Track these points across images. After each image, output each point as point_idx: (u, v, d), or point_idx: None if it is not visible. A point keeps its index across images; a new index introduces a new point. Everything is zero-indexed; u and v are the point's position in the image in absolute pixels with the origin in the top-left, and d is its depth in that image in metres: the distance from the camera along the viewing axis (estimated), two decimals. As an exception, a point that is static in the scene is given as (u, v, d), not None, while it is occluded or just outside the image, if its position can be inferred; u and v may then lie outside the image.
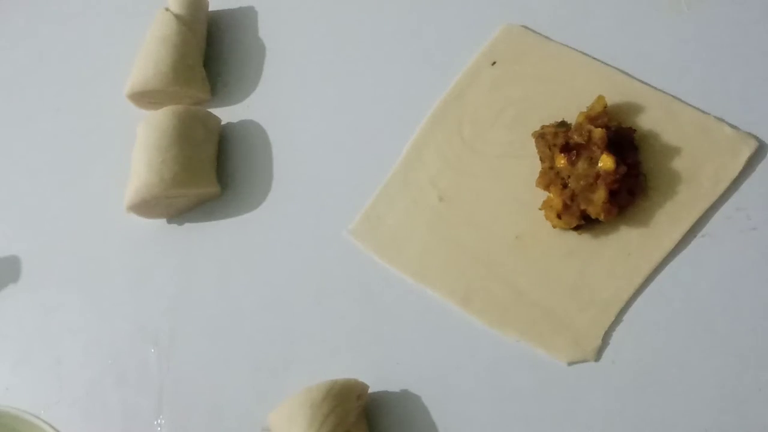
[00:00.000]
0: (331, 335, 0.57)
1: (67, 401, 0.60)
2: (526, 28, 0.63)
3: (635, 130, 0.55)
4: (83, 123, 0.72)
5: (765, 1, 0.58)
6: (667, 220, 0.53)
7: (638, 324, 0.51)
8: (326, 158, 0.64)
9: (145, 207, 0.62)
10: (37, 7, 0.81)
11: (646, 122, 0.56)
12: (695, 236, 0.52)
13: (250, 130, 0.67)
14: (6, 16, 0.81)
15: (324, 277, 0.59)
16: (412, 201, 0.59)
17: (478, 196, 0.58)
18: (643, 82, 0.58)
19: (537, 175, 0.55)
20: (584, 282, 0.53)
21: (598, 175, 0.52)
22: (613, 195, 0.52)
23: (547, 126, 0.56)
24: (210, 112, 0.66)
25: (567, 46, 0.61)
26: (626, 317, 0.52)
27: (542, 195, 0.54)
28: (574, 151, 0.53)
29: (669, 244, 0.52)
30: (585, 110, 0.55)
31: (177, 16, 0.68)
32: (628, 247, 0.53)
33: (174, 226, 0.65)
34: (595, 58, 0.60)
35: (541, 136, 0.55)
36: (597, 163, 0.52)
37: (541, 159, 0.55)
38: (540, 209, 0.54)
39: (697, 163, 0.54)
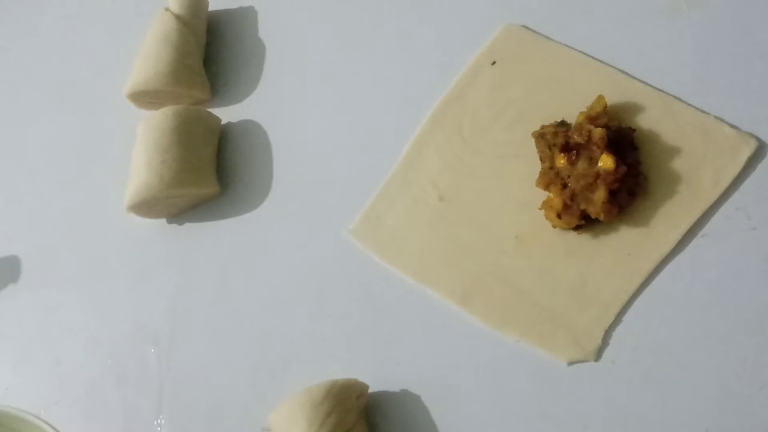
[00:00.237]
0: (331, 335, 0.57)
1: (67, 401, 0.60)
2: (526, 28, 0.63)
3: (635, 130, 0.55)
4: (83, 123, 0.72)
5: (765, 1, 0.58)
6: (667, 220, 0.53)
7: (638, 324, 0.51)
8: (326, 158, 0.64)
9: (145, 207, 0.62)
10: (37, 7, 0.81)
11: (646, 122, 0.56)
12: (695, 236, 0.52)
13: (250, 130, 0.67)
14: (6, 16, 0.81)
15: (324, 277, 0.59)
16: (412, 201, 0.59)
17: (478, 196, 0.58)
18: (643, 82, 0.58)
19: (537, 175, 0.55)
20: (584, 282, 0.53)
21: (598, 175, 0.52)
22: (613, 195, 0.52)
23: (547, 126, 0.56)
24: (210, 112, 0.66)
25: (567, 46, 0.61)
26: (626, 317, 0.52)
27: (542, 195, 0.54)
28: (574, 151, 0.53)
29: (669, 244, 0.52)
30: (585, 110, 0.55)
31: (177, 16, 0.68)
32: (628, 247, 0.53)
33: (174, 226, 0.65)
34: (595, 58, 0.60)
35: (541, 136, 0.55)
36: (597, 163, 0.52)
37: (541, 159, 0.55)
38: (540, 209, 0.54)
39: (697, 163, 0.54)
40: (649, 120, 0.56)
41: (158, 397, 0.58)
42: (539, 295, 0.53)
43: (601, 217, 0.52)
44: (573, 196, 0.53)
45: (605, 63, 0.59)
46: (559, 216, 0.53)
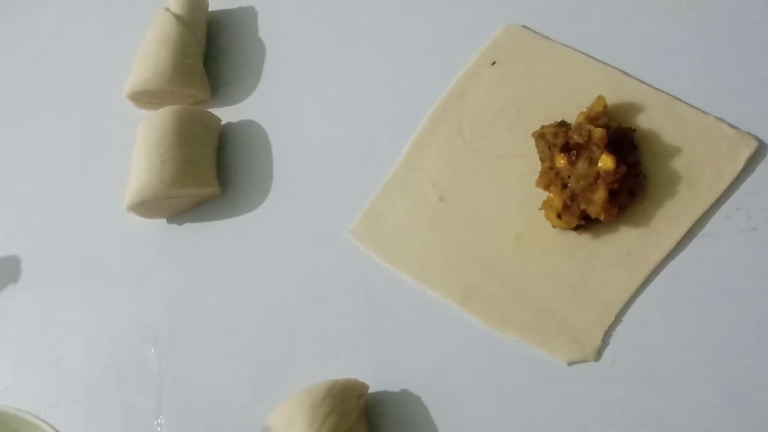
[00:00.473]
0: (331, 335, 0.57)
1: (67, 401, 0.60)
2: (526, 28, 0.63)
3: (635, 130, 0.55)
4: (83, 123, 0.72)
5: (765, 1, 0.58)
6: (667, 220, 0.53)
7: (638, 324, 0.51)
8: (326, 158, 0.64)
9: (145, 207, 0.62)
10: (37, 7, 0.81)
11: (646, 122, 0.56)
12: (695, 236, 0.52)
13: (250, 130, 0.67)
14: (6, 16, 0.81)
15: (324, 277, 0.59)
16: (412, 201, 0.59)
17: (478, 196, 0.58)
18: (643, 82, 0.58)
19: (537, 175, 0.55)
20: (584, 282, 0.53)
21: (598, 175, 0.52)
22: (613, 195, 0.52)
23: (547, 126, 0.56)
24: (210, 112, 0.66)
25: (567, 46, 0.61)
26: (626, 317, 0.52)
27: (542, 195, 0.54)
28: (574, 151, 0.53)
29: (669, 244, 0.52)
30: (585, 110, 0.55)
31: (177, 16, 0.68)
32: (628, 247, 0.53)
33: (174, 226, 0.65)
34: (595, 58, 0.60)
35: (541, 136, 0.55)
36: (597, 163, 0.52)
37: (541, 159, 0.55)
38: (540, 209, 0.54)
39: (697, 163, 0.54)
40: (649, 120, 0.56)
41: (158, 397, 0.58)
42: (539, 295, 0.53)
43: (601, 217, 0.52)
44: (573, 196, 0.53)
45: (605, 63, 0.59)
46: (559, 216, 0.53)
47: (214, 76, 0.70)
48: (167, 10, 0.69)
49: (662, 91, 0.57)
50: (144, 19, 0.70)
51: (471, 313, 0.54)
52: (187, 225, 0.64)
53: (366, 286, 0.57)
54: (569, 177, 0.53)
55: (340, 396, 0.50)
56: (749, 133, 0.54)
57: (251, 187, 0.64)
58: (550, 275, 0.54)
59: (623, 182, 0.52)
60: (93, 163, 0.69)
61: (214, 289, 0.61)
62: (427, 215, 0.58)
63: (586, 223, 0.53)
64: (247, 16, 0.73)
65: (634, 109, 0.57)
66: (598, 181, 0.52)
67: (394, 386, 0.54)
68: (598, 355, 0.51)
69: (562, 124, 0.56)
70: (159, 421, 0.57)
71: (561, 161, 0.53)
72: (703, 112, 0.55)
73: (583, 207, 0.52)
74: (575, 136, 0.53)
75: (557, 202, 0.53)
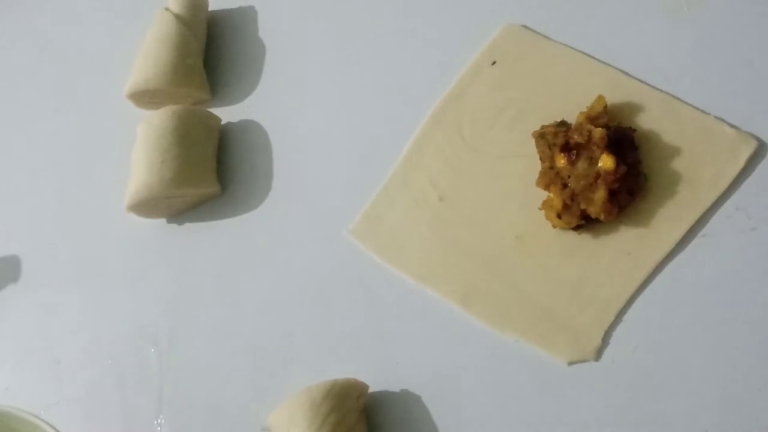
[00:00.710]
0: (331, 335, 0.57)
1: (67, 401, 0.60)
2: (526, 28, 0.63)
3: (635, 130, 0.55)
4: (83, 123, 0.72)
5: (765, 1, 0.58)
6: (667, 220, 0.53)
7: (638, 324, 0.51)
8: (326, 158, 0.64)
9: (145, 207, 0.62)
10: (37, 7, 0.81)
11: (646, 122, 0.56)
12: (695, 236, 0.52)
13: (250, 130, 0.67)
14: (6, 16, 0.81)
15: (324, 277, 0.59)
16: (412, 201, 0.59)
17: (478, 196, 0.58)
18: (643, 82, 0.58)
19: (537, 175, 0.55)
20: (584, 282, 0.53)
21: (598, 175, 0.52)
22: (613, 195, 0.52)
23: (547, 126, 0.56)
24: (210, 112, 0.66)
25: (567, 46, 0.61)
26: (626, 317, 0.52)
27: (542, 195, 0.54)
28: (574, 151, 0.53)
29: (669, 244, 0.52)
30: (585, 110, 0.55)
31: (177, 16, 0.68)
32: (628, 247, 0.53)
33: (174, 226, 0.65)
34: (595, 58, 0.60)
35: (541, 136, 0.55)
36: (597, 163, 0.52)
37: (541, 159, 0.55)
38: (540, 209, 0.54)
39: (697, 163, 0.54)
40: (649, 120, 0.56)
41: (158, 397, 0.58)
42: (539, 295, 0.53)
43: (601, 217, 0.52)
44: (573, 196, 0.53)
45: (605, 63, 0.59)
46: (559, 216, 0.53)
47: (214, 76, 0.70)
48: (167, 9, 0.68)
49: (662, 91, 0.57)
50: (144, 19, 0.70)
51: (471, 313, 0.54)
52: (187, 225, 0.64)
53: (366, 286, 0.57)
54: (569, 177, 0.53)
55: (340, 396, 0.50)
56: (749, 133, 0.54)
57: (251, 187, 0.64)
58: (550, 275, 0.54)
59: (623, 182, 0.52)
60: (93, 163, 0.69)
61: (214, 289, 0.61)
62: (427, 215, 0.58)
63: (586, 223, 0.53)
64: (247, 16, 0.73)
65: (634, 109, 0.57)
66: (598, 181, 0.52)
67: (394, 386, 0.54)
68: (598, 355, 0.51)
69: (562, 124, 0.56)
70: (159, 421, 0.57)
71: (561, 161, 0.53)
72: (703, 112, 0.55)
73: (583, 207, 0.52)
74: (575, 136, 0.53)
75: (557, 202, 0.53)
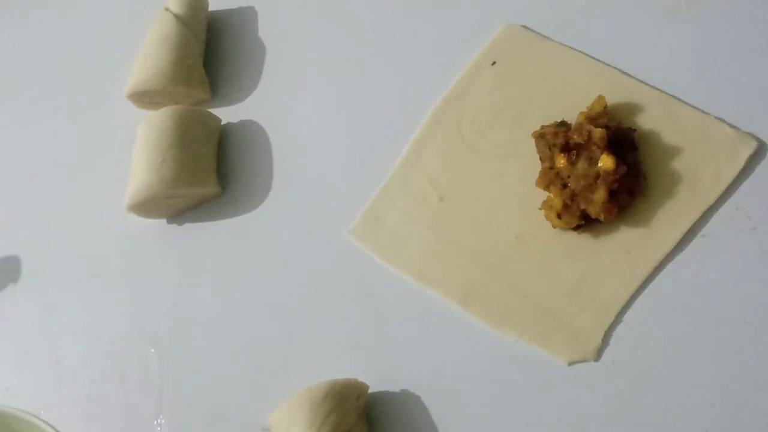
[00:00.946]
0: (331, 335, 0.57)
1: (67, 401, 0.60)
2: (526, 28, 0.63)
3: (635, 130, 0.55)
4: (83, 123, 0.72)
5: (765, 1, 0.58)
6: (667, 220, 0.53)
7: (638, 324, 0.51)
8: (326, 158, 0.64)
9: (145, 207, 0.62)
10: (37, 7, 0.81)
11: (646, 122, 0.56)
12: (695, 236, 0.52)
13: (250, 130, 0.67)
14: (6, 16, 0.81)
15: (324, 277, 0.59)
16: (412, 201, 0.59)
17: (478, 196, 0.58)
18: (643, 82, 0.58)
19: (537, 175, 0.55)
20: (584, 282, 0.53)
21: (598, 175, 0.52)
22: (613, 195, 0.52)
23: (547, 126, 0.56)
24: (210, 112, 0.66)
25: (567, 46, 0.61)
26: (626, 317, 0.52)
27: (542, 195, 0.54)
28: (574, 151, 0.53)
29: (669, 244, 0.52)
30: (585, 110, 0.55)
31: (177, 16, 0.68)
32: (628, 247, 0.53)
33: (174, 226, 0.65)
34: (595, 58, 0.60)
35: (541, 136, 0.55)
36: (597, 163, 0.52)
37: (541, 159, 0.55)
38: (540, 209, 0.54)
39: (697, 163, 0.54)
40: (649, 120, 0.56)
41: (158, 397, 0.58)
42: (539, 295, 0.53)
43: (601, 217, 0.52)
44: (573, 196, 0.53)
45: (605, 63, 0.59)
46: (559, 216, 0.53)
47: (214, 76, 0.70)
48: (167, 10, 0.69)
49: (662, 91, 0.57)
50: (144, 19, 0.70)
51: (471, 313, 0.54)
52: (187, 225, 0.64)
53: (366, 286, 0.57)
54: (569, 177, 0.53)
55: (340, 396, 0.50)
56: (749, 133, 0.54)
57: (251, 187, 0.64)
58: (550, 275, 0.54)
59: (623, 182, 0.52)
60: (93, 163, 0.69)
61: (214, 289, 0.61)
62: (427, 215, 0.58)
63: (586, 223, 0.53)
64: (247, 16, 0.73)
65: (634, 109, 0.57)
66: (598, 181, 0.52)
67: (394, 386, 0.54)
68: (598, 355, 0.51)
69: (562, 124, 0.56)
70: (159, 421, 0.57)
71: (561, 161, 0.53)
72: (703, 112, 0.55)
73: (583, 207, 0.52)
74: (575, 136, 0.53)
75: (557, 202, 0.53)
